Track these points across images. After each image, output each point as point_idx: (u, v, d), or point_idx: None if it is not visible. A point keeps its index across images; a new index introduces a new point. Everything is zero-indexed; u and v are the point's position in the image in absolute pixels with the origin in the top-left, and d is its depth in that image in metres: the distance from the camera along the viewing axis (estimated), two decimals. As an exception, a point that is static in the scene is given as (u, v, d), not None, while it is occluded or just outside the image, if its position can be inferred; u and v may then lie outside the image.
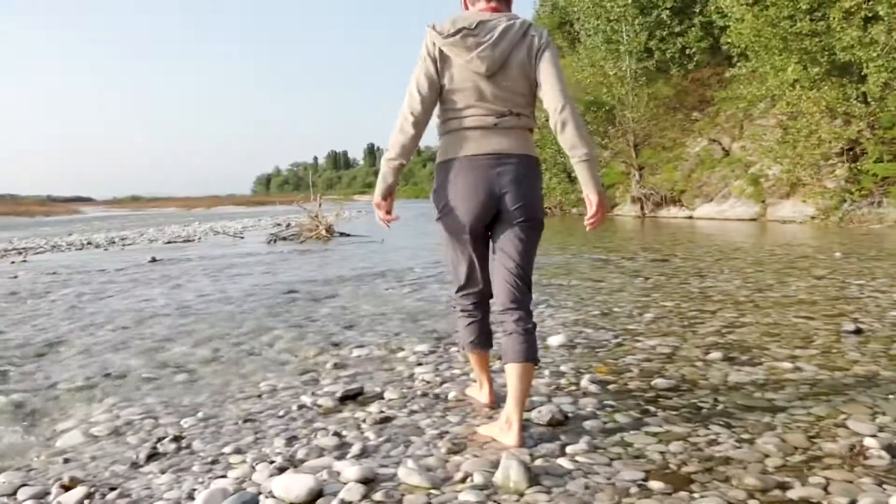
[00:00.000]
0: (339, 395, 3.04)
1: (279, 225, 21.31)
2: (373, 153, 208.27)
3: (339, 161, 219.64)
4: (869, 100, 14.11)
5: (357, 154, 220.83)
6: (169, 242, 16.00)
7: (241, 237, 17.37)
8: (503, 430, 2.38)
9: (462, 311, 2.66)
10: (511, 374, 2.41)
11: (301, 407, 2.95)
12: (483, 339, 2.66)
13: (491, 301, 2.62)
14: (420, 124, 2.41)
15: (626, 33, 23.16)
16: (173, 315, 5.49)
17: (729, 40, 16.80)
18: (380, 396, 3.04)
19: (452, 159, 2.42)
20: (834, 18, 13.81)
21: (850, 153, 14.88)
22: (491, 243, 2.53)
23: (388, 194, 2.51)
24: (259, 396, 3.18)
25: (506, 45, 2.35)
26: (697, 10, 22.36)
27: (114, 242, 16.63)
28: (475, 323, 2.64)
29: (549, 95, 2.35)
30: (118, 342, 4.54)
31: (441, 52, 2.38)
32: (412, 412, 2.78)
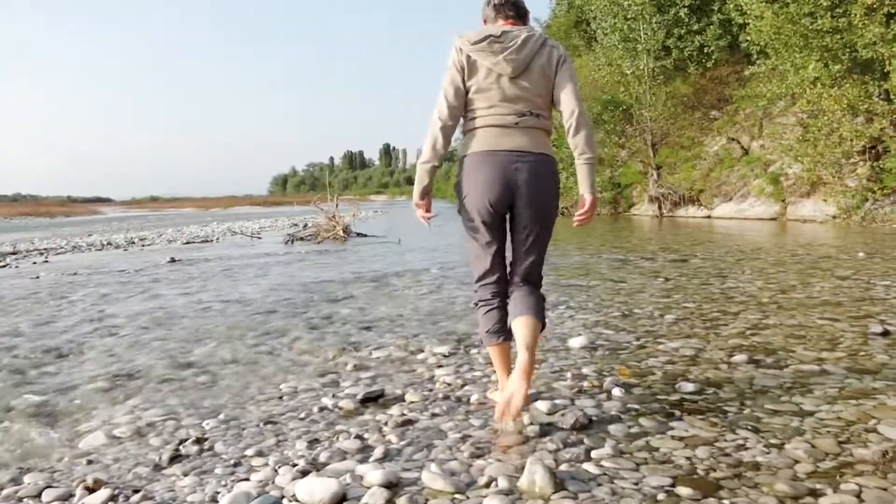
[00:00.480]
0: (360, 397, 3.03)
1: (296, 225, 21.39)
2: (388, 153, 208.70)
3: (356, 161, 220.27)
4: (892, 97, 13.94)
5: (373, 154, 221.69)
6: (187, 243, 16.11)
7: (259, 237, 17.45)
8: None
9: (482, 302, 2.79)
10: (516, 328, 2.60)
11: (322, 409, 2.94)
12: (501, 328, 2.72)
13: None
14: (449, 129, 2.65)
15: (643, 31, 23.03)
16: (193, 316, 5.51)
17: (748, 38, 16.65)
18: (401, 399, 3.02)
19: (477, 153, 2.62)
20: (856, 15, 13.63)
21: (873, 151, 14.70)
22: (510, 231, 2.72)
23: (426, 194, 2.75)
24: (280, 398, 3.17)
25: (528, 51, 2.59)
26: (716, 8, 22.17)
27: (133, 243, 16.77)
28: (493, 311, 2.74)
29: (566, 100, 2.61)
30: (139, 343, 4.55)
31: (469, 57, 2.60)
32: (434, 415, 2.76)
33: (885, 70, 13.80)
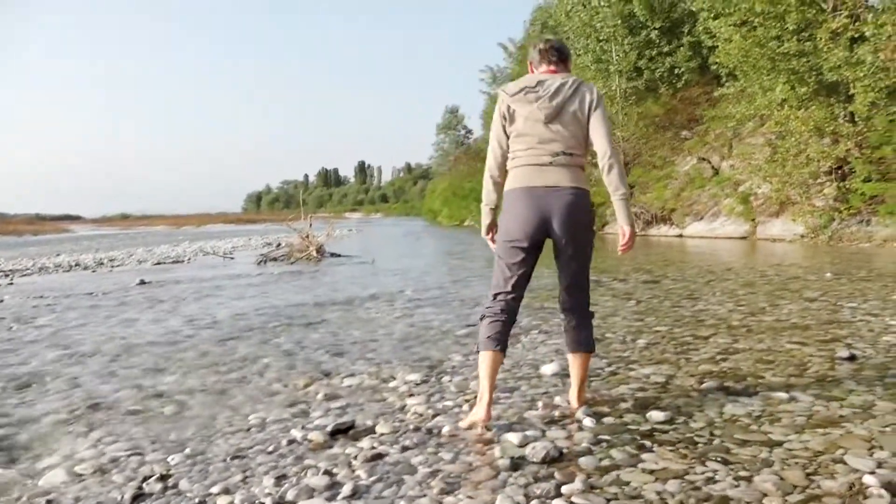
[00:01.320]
0: (329, 429, 2.99)
1: (269, 245, 21.22)
2: (363, 170, 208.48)
3: (330, 178, 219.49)
4: (856, 119, 14.25)
5: (348, 171, 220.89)
6: (158, 264, 15.90)
7: (231, 258, 17.28)
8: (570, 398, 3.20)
9: (490, 313, 3.02)
10: (572, 363, 3.09)
11: (291, 442, 2.90)
12: (500, 339, 2.97)
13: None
14: (498, 176, 3.06)
15: (615, 53, 23.37)
16: (162, 342, 5.42)
17: (717, 60, 16.94)
18: (371, 431, 2.99)
19: (515, 189, 2.97)
20: (821, 39, 13.95)
21: (839, 172, 14.99)
22: (555, 258, 3.05)
23: (490, 229, 3.17)
24: (248, 430, 3.12)
25: (560, 99, 2.91)
26: (686, 31, 22.56)
27: (102, 264, 16.51)
28: (497, 322, 2.99)
29: (599, 143, 2.93)
30: (105, 372, 4.46)
31: (509, 107, 2.98)
32: (405, 448, 2.73)
33: (850, 93, 14.12)
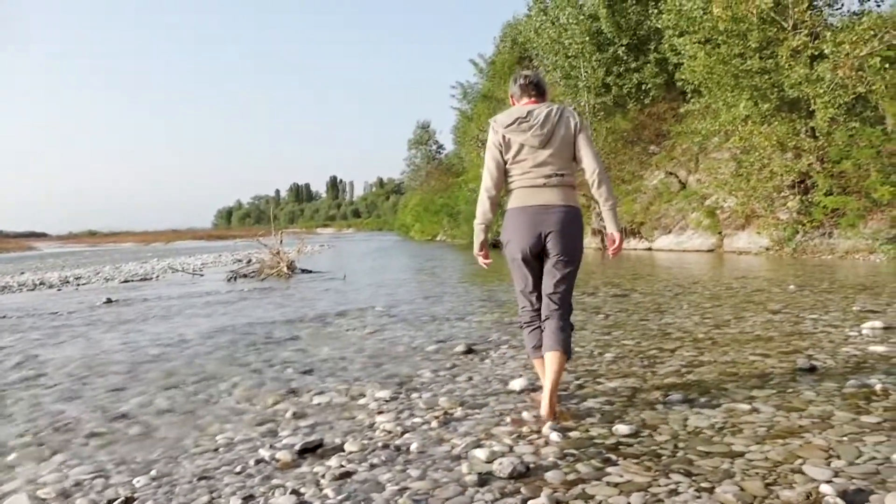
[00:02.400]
0: (297, 447, 2.98)
1: (240, 261, 21.05)
2: (335, 185, 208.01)
3: (302, 193, 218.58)
4: (817, 134, 14.59)
5: (320, 186, 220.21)
6: (125, 281, 15.67)
7: (201, 275, 17.10)
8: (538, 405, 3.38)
9: (527, 321, 3.47)
10: (546, 361, 3.26)
11: (259, 462, 2.88)
12: (541, 345, 3.33)
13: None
14: (494, 197, 3.39)
15: (583, 69, 23.68)
16: (128, 362, 5.35)
17: (683, 77, 17.25)
18: (340, 449, 2.99)
19: (513, 209, 3.35)
20: (782, 57, 14.32)
21: (802, 186, 15.32)
22: (544, 269, 3.37)
23: (483, 247, 3.47)
24: (215, 450, 3.10)
25: (550, 125, 3.28)
26: (652, 47, 22.92)
27: (68, 282, 16.24)
28: (536, 330, 3.42)
29: (587, 161, 3.30)
30: (69, 392, 4.40)
31: (504, 136, 3.31)
32: (372, 466, 2.74)
33: (811, 109, 14.48)
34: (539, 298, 3.41)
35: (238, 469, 2.81)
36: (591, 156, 3.29)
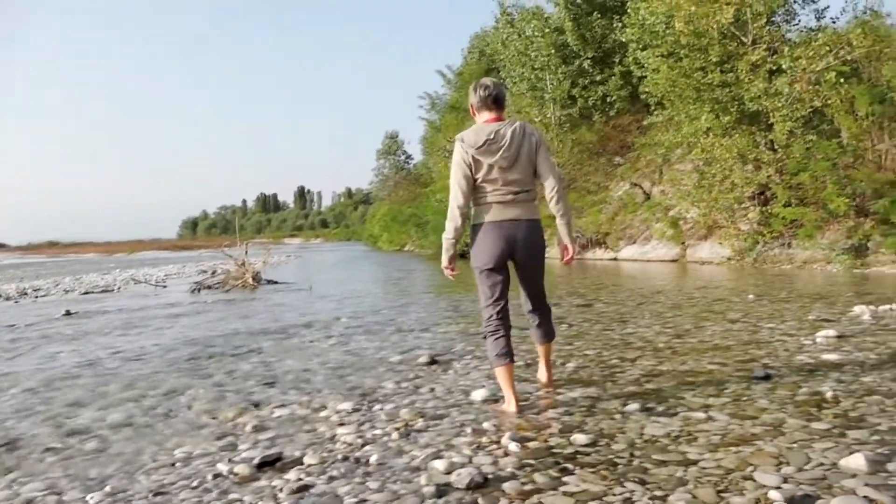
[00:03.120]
0: (256, 461, 2.96)
1: (204, 272, 20.79)
2: (303, 196, 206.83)
3: (269, 203, 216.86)
4: (776, 147, 14.93)
5: (287, 196, 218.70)
6: (86, 293, 15.39)
7: (164, 286, 16.87)
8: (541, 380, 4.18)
9: (491, 331, 3.64)
10: (540, 351, 4.07)
11: (217, 476, 2.85)
12: (507, 352, 3.59)
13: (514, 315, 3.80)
14: (464, 210, 3.59)
15: (549, 81, 23.97)
16: (85, 375, 5.26)
17: (646, 90, 17.55)
18: (299, 462, 2.97)
19: (487, 223, 3.58)
20: (742, 71, 14.66)
21: (762, 197, 15.65)
22: (516, 273, 3.73)
23: (452, 260, 3.68)
24: (172, 465, 3.06)
25: (515, 146, 3.52)
26: (617, 61, 23.30)
27: (26, 294, 15.89)
28: (501, 338, 3.62)
29: (547, 177, 3.61)
30: (23, 407, 4.31)
31: (474, 157, 3.51)
32: (331, 478, 2.73)
33: (770, 122, 14.82)
34: (505, 308, 3.64)
35: (195, 484, 2.78)
36: (551, 172, 3.61)
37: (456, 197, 3.58)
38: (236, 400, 4.25)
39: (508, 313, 3.67)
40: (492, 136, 3.49)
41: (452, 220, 3.60)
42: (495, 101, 3.63)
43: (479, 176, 3.54)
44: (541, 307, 3.88)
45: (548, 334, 3.94)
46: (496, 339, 3.61)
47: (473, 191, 3.59)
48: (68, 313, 10.23)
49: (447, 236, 3.63)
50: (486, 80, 3.73)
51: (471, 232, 3.67)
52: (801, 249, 14.15)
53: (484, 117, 3.64)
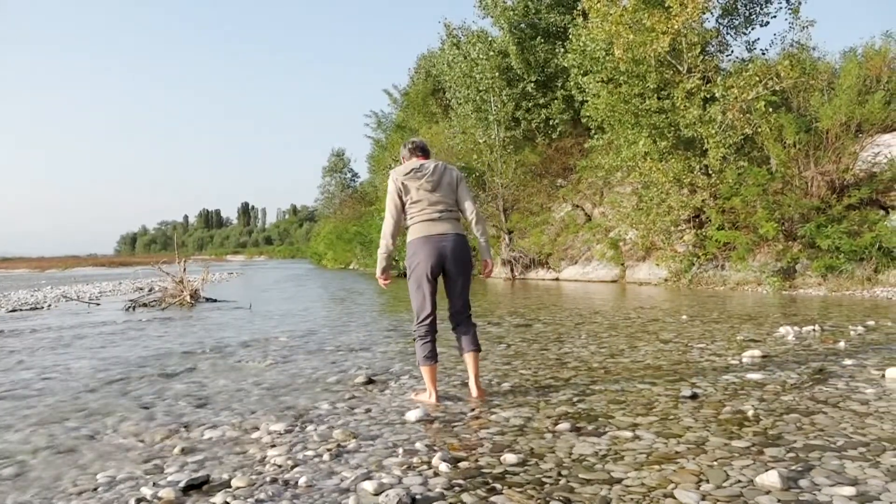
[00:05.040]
0: (182, 485, 2.90)
1: (140, 289, 20.25)
2: (247, 212, 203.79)
3: (212, 219, 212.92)
4: (710, 172, 15.45)
5: (231, 213, 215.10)
6: (13, 311, 14.80)
7: (97, 304, 16.34)
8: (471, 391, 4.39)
9: (421, 335, 4.24)
10: (469, 362, 4.35)
11: (140, 500, 2.78)
12: (433, 355, 4.25)
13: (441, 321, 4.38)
14: (396, 231, 4.28)
15: (493, 103, 24.27)
16: (8, 397, 5.06)
17: (587, 114, 17.95)
18: (227, 484, 2.93)
19: (418, 238, 4.17)
20: (678, 98, 15.16)
21: (697, 220, 16.15)
22: (445, 285, 4.31)
23: (384, 271, 4.43)
24: (94, 490, 2.97)
25: (438, 174, 4.25)
26: (559, 85, 23.77)
27: (-51, 310, 15.17)
28: (429, 342, 4.24)
29: (466, 205, 4.34)
30: (-62, 431, 4.11)
31: (403, 184, 4.22)
32: (258, 501, 2.70)
33: (704, 148, 15.35)
34: (433, 316, 4.25)
35: (117, 509, 2.71)
36: (470, 200, 4.33)
37: (387, 220, 4.27)
38: (166, 421, 4.15)
39: (436, 321, 4.28)
40: (417, 167, 4.24)
41: (385, 238, 4.29)
42: (421, 150, 4.44)
43: (409, 199, 4.21)
44: (468, 319, 4.36)
45: (475, 343, 4.32)
46: (424, 343, 4.24)
47: (405, 212, 4.25)
48: (-7, 332, 9.81)
49: (381, 252, 4.34)
50: (413, 138, 4.60)
51: (407, 249, 4.24)
52: (734, 271, 14.62)
53: (412, 160, 4.39)
